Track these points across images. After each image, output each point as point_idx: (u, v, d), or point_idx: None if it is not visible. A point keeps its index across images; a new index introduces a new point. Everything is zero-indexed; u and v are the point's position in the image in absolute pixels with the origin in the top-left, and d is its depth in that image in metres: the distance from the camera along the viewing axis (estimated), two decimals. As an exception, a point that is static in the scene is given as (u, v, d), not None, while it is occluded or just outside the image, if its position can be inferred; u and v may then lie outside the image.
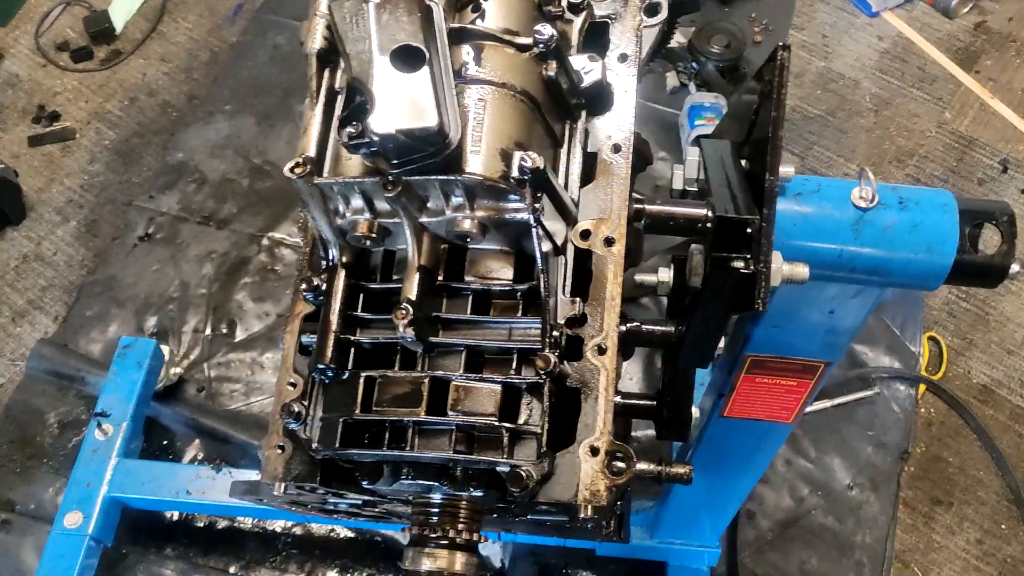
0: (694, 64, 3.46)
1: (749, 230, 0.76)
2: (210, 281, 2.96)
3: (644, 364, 2.73)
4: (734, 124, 1.08)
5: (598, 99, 1.07)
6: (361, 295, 1.03)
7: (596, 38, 1.12)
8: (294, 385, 1.07)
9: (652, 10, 1.11)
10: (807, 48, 3.72)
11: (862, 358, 2.83)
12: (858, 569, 2.47)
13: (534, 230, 0.95)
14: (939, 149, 3.47)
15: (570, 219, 1.03)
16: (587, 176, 1.06)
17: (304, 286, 1.03)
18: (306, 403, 1.04)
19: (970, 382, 2.88)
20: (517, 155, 0.92)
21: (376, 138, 0.85)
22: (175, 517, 2.50)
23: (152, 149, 3.38)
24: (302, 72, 1.03)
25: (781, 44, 0.86)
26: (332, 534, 2.49)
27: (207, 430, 2.60)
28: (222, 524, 2.49)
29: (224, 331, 2.85)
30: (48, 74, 3.59)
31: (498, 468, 0.95)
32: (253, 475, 2.25)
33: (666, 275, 1.12)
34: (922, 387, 2.83)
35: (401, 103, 0.85)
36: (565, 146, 1.06)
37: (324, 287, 1.03)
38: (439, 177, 0.90)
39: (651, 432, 2.37)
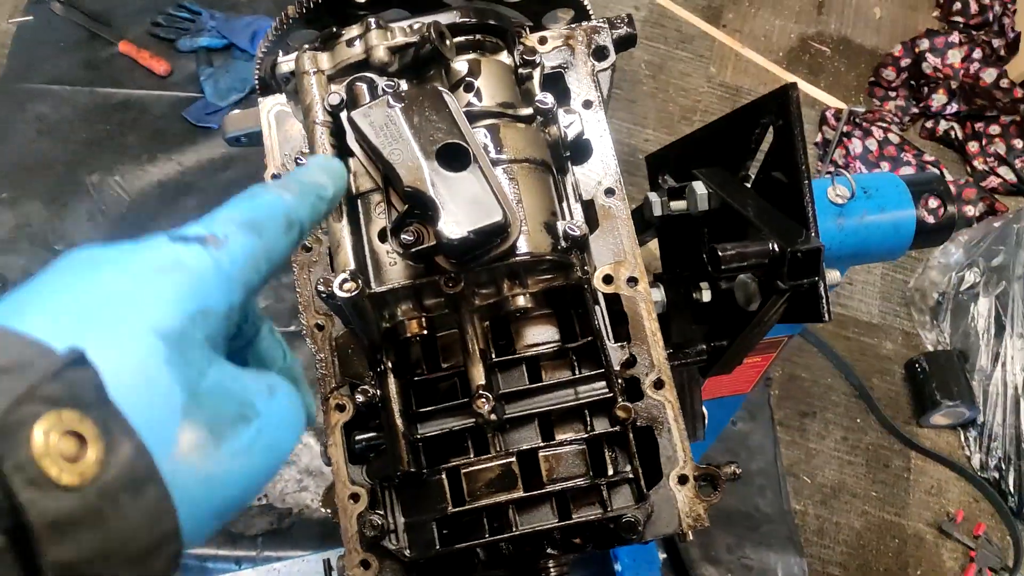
0: None
1: (819, 257, 0.86)
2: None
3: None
4: (695, 147, 1.17)
5: (580, 149, 1.12)
6: (411, 390, 1.02)
7: (549, 87, 1.16)
8: (356, 497, 1.04)
9: (600, 54, 1.16)
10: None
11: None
12: (761, 493, 2.74)
13: (586, 290, 0.99)
14: (715, 101, 3.82)
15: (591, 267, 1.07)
16: (589, 223, 1.11)
17: (361, 398, 0.99)
18: (380, 511, 1.02)
19: (798, 303, 3.25)
20: (560, 225, 0.95)
21: (449, 242, 0.85)
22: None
23: (-74, 259, 2.96)
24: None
25: (790, 84, 0.95)
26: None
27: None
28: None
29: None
30: None
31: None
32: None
33: (659, 295, 1.20)
34: (764, 318, 3.15)
35: (463, 203, 0.86)
36: (565, 200, 1.10)
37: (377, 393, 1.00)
38: (503, 264, 0.91)
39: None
